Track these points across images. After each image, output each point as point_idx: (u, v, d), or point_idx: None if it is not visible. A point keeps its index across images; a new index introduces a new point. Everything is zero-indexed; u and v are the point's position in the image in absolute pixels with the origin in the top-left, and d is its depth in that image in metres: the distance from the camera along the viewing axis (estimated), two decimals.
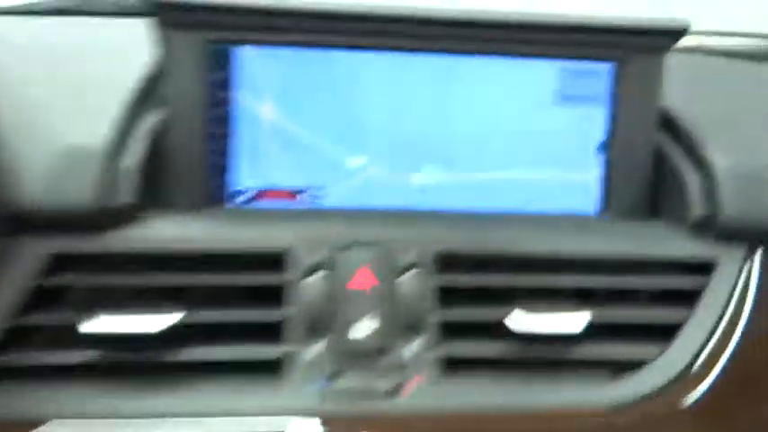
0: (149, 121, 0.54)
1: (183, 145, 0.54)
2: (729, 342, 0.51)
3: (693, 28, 0.56)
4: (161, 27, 0.52)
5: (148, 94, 0.56)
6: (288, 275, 0.49)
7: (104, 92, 0.54)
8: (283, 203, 0.56)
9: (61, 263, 0.48)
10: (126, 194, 0.49)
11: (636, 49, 0.56)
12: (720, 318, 0.51)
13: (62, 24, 0.72)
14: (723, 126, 0.59)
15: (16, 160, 0.48)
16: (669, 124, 0.60)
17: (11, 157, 0.48)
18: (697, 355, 0.50)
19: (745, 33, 1.00)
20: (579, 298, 0.53)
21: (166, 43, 0.53)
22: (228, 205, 0.55)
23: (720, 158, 0.54)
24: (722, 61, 0.84)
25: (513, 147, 0.57)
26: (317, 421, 0.46)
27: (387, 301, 0.49)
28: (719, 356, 0.50)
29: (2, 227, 0.47)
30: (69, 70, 0.57)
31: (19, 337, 0.47)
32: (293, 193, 0.56)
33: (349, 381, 0.48)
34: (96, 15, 0.74)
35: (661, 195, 0.58)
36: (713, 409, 0.49)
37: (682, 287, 0.53)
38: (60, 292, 0.49)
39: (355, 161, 0.56)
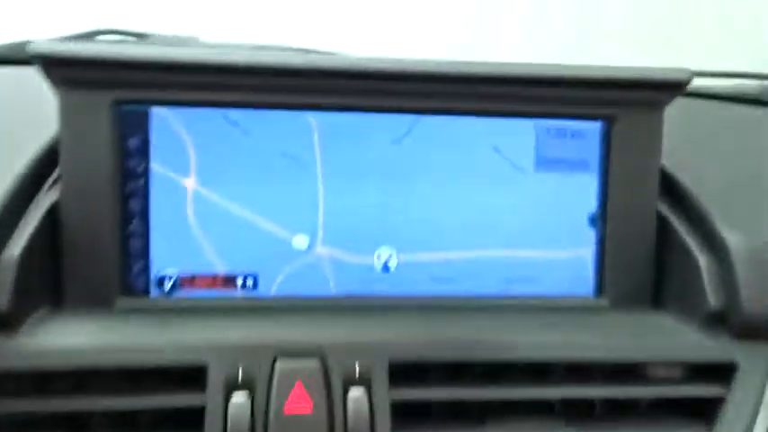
0: (50, 196, 0.45)
1: (88, 226, 0.45)
2: None
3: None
4: (60, 86, 0.43)
5: (55, 161, 0.46)
6: (209, 395, 0.39)
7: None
8: (213, 293, 0.47)
9: None
10: (7, 294, 0.40)
11: (630, 104, 0.48)
12: None
13: None
14: (728, 188, 0.51)
15: None
16: (667, 186, 0.51)
17: None
18: None
19: (741, 74, 0.93)
20: (568, 412, 0.43)
21: (66, 105, 0.44)
22: (147, 297, 0.46)
23: (734, 236, 0.45)
24: (716, 106, 0.77)
25: (489, 221, 0.48)
26: None
27: (328, 427, 0.39)
28: None
29: None
30: None
31: None
32: (225, 280, 0.47)
33: None
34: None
35: (666, 277, 0.49)
36: None
37: (696, 396, 0.43)
38: None
39: (298, 241, 0.47)
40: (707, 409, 0.43)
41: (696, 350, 0.44)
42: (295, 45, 0.74)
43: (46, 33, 0.74)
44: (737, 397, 0.42)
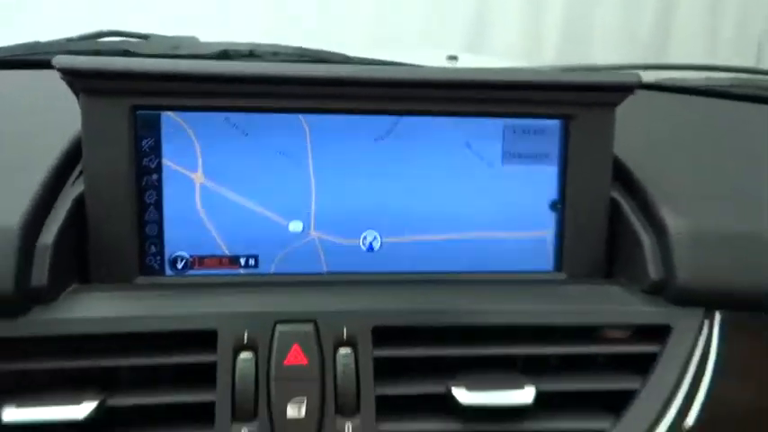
0: (75, 189, 0.51)
1: (110, 215, 0.51)
2: (689, 412, 0.48)
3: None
4: (82, 94, 0.50)
5: (76, 158, 0.53)
6: (219, 355, 0.46)
7: (27, 155, 0.51)
8: (219, 271, 0.53)
9: None
10: (44, 274, 0.46)
11: (585, 105, 0.54)
12: (677, 386, 0.49)
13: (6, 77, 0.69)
14: (680, 178, 0.57)
15: None
16: (622, 176, 0.57)
17: None
18: (654, 426, 0.48)
19: (712, 67, 0.97)
20: (528, 366, 0.50)
21: (88, 110, 0.50)
22: (162, 276, 0.52)
23: (675, 220, 0.51)
24: (683, 99, 0.82)
25: (462, 207, 0.55)
26: None
27: (320, 380, 0.46)
28: (679, 428, 0.48)
29: None
30: None
31: None
32: (230, 260, 0.53)
33: None
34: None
35: (617, 254, 0.56)
36: None
37: (635, 352, 0.50)
38: None
39: (293, 227, 0.53)
40: (646, 366, 0.50)
41: (638, 315, 0.51)
42: (289, 44, 0.79)
43: (52, 34, 0.79)
44: (670, 352, 0.49)
